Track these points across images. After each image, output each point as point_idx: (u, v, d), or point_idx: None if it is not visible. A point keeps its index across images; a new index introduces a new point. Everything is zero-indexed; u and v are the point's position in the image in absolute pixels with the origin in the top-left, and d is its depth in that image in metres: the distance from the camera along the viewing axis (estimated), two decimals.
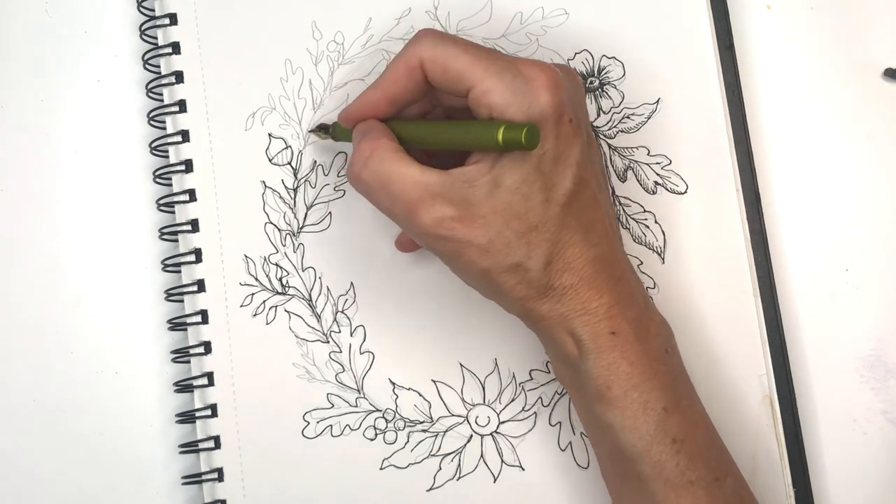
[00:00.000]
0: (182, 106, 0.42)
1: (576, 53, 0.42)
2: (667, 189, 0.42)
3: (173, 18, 0.42)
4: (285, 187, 0.42)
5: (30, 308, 0.43)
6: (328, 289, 0.42)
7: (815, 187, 0.43)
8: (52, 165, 0.43)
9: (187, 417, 0.41)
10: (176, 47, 0.42)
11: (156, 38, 0.43)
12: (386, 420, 0.41)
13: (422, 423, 0.41)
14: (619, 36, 0.42)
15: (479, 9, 0.42)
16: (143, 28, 0.43)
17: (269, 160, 0.42)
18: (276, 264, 0.42)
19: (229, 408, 0.41)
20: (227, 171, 0.42)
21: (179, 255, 0.42)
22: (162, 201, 0.42)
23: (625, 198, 0.42)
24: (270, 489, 0.41)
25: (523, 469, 0.41)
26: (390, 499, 0.41)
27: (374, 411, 0.41)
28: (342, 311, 0.41)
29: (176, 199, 0.42)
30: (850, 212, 0.43)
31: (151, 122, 0.43)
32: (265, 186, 0.42)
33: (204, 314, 0.41)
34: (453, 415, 0.41)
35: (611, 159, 0.42)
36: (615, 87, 0.42)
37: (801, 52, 0.44)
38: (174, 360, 0.42)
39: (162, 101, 0.43)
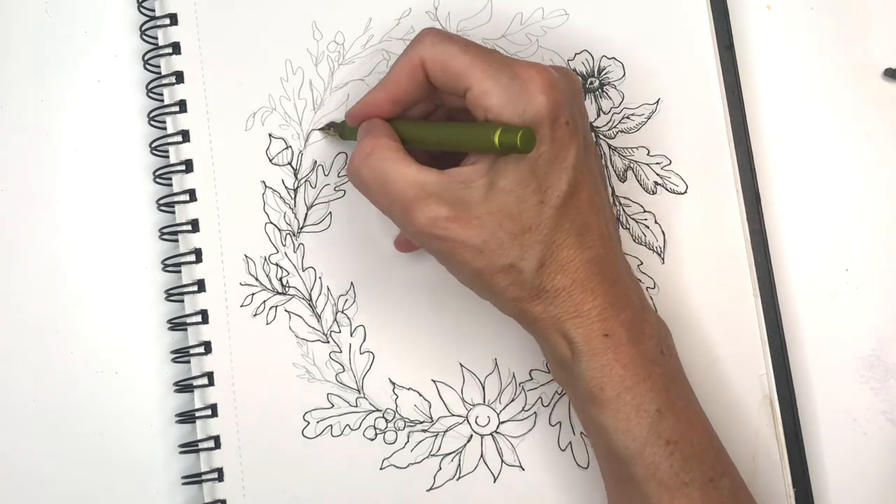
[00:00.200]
0: (182, 106, 0.42)
1: (576, 54, 0.42)
2: (667, 189, 0.42)
3: (173, 18, 0.43)
4: (285, 187, 0.42)
5: (30, 308, 0.43)
6: (328, 289, 0.42)
7: (815, 187, 0.43)
8: (52, 165, 0.43)
9: (187, 417, 0.41)
10: (176, 47, 0.42)
11: (156, 38, 0.43)
12: (386, 420, 0.41)
13: (422, 423, 0.41)
14: (619, 36, 0.42)
15: (480, 9, 0.42)
16: (143, 28, 0.43)
17: (270, 160, 0.42)
18: (277, 264, 0.42)
19: (229, 408, 0.41)
20: (227, 171, 0.42)
21: (179, 255, 0.42)
22: (162, 201, 0.43)
23: (625, 198, 0.42)
24: (270, 489, 0.41)
25: (523, 469, 0.41)
26: (390, 499, 0.41)
27: (374, 411, 0.41)
28: (342, 311, 0.42)
29: (176, 199, 0.42)
30: (850, 212, 0.43)
31: (151, 122, 0.43)
32: (265, 186, 0.42)
33: (204, 314, 0.42)
34: (453, 415, 0.41)
35: (611, 159, 0.42)
36: (615, 88, 0.42)
37: (801, 52, 0.44)
38: (174, 360, 0.42)
39: (162, 101, 0.43)
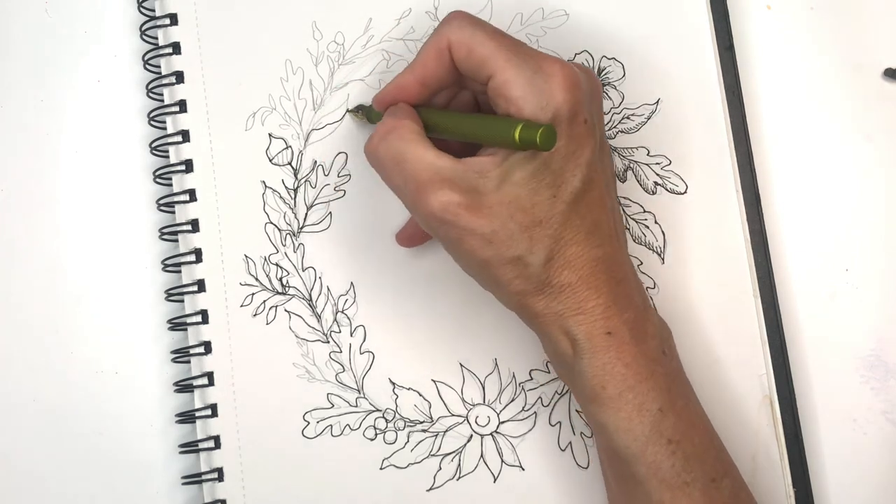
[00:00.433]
0: (182, 106, 0.43)
1: (576, 54, 0.43)
2: (667, 189, 0.42)
3: (174, 19, 0.43)
4: (285, 187, 0.42)
5: (30, 308, 0.43)
6: (328, 289, 0.42)
7: (815, 187, 0.43)
8: (52, 165, 0.44)
9: (187, 417, 0.42)
10: (176, 47, 0.43)
11: (156, 38, 0.43)
12: (386, 420, 0.41)
13: (422, 422, 0.41)
14: (619, 37, 0.42)
15: (480, 10, 0.43)
16: (143, 28, 0.43)
17: (270, 160, 0.42)
18: (277, 264, 0.42)
19: (229, 408, 0.41)
20: (227, 171, 0.42)
21: (179, 255, 0.42)
22: (162, 201, 0.43)
23: (625, 198, 0.42)
24: (270, 489, 0.41)
25: (523, 469, 0.41)
26: (390, 499, 0.41)
27: (374, 411, 0.41)
28: (342, 311, 0.42)
29: (176, 199, 0.42)
30: (850, 212, 0.43)
31: (152, 123, 0.43)
32: (265, 186, 0.42)
33: (204, 314, 0.42)
34: (453, 415, 0.41)
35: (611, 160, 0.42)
36: (615, 88, 0.42)
37: (801, 52, 0.44)
38: (174, 360, 0.42)
39: (162, 101, 0.43)
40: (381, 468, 0.41)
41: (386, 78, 0.42)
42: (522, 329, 0.41)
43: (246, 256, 0.42)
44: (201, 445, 0.41)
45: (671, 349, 0.37)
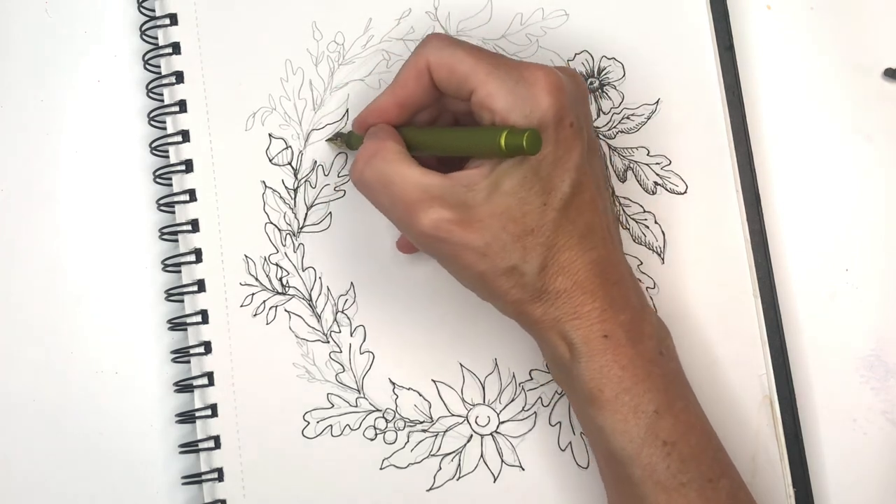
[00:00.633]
0: (182, 106, 0.43)
1: (576, 54, 0.43)
2: (666, 189, 0.42)
3: (174, 19, 0.43)
4: (285, 187, 0.43)
5: (30, 308, 0.43)
6: (328, 289, 0.42)
7: (815, 187, 0.44)
8: (52, 165, 0.44)
9: (187, 417, 0.42)
10: (176, 47, 0.43)
11: (156, 38, 0.43)
12: (386, 420, 0.42)
13: (422, 422, 0.41)
14: (619, 37, 0.43)
15: (480, 9, 0.43)
16: (143, 28, 0.44)
17: (270, 160, 0.43)
18: (277, 264, 0.42)
19: (229, 408, 0.42)
20: (227, 171, 0.42)
21: (179, 255, 0.42)
22: (162, 201, 0.43)
23: (624, 198, 0.42)
24: (270, 489, 0.41)
25: (523, 469, 0.41)
26: (390, 499, 0.41)
27: (374, 411, 0.42)
28: (342, 311, 0.42)
29: (176, 199, 0.43)
30: (850, 212, 0.43)
31: (151, 123, 0.43)
32: (265, 186, 0.42)
33: (204, 314, 0.42)
34: (453, 415, 0.42)
35: (610, 160, 0.43)
36: (615, 88, 0.43)
37: (801, 52, 0.44)
38: (174, 360, 0.42)
39: (162, 101, 0.43)
40: (381, 468, 0.41)
41: (386, 78, 0.42)
42: (522, 330, 0.41)
43: (246, 256, 0.42)
44: (201, 445, 0.41)
45: (669, 350, 0.37)
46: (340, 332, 0.42)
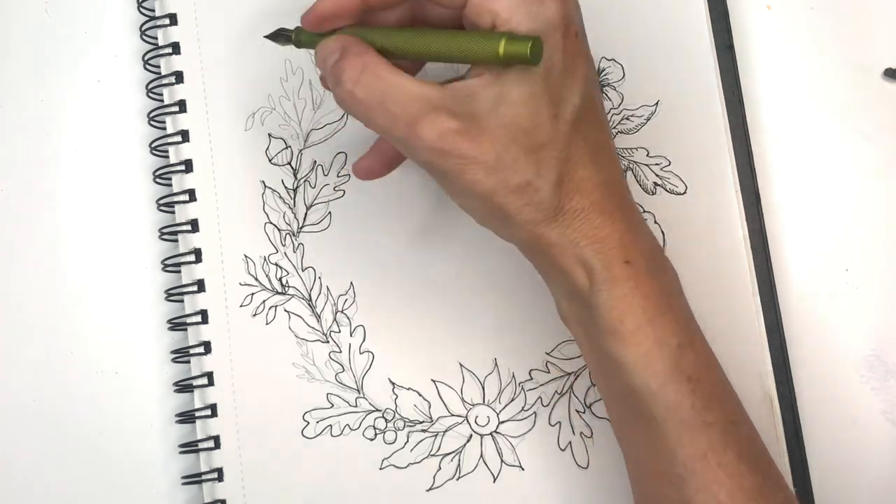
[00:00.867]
0: (182, 106, 0.43)
1: None
2: (666, 190, 0.43)
3: (173, 19, 0.43)
4: (285, 187, 0.43)
5: (30, 308, 0.43)
6: (328, 289, 0.42)
7: (815, 187, 0.44)
8: (52, 165, 0.44)
9: (187, 417, 0.42)
10: (176, 47, 0.43)
11: (156, 38, 0.44)
12: (386, 420, 0.42)
13: (421, 422, 0.42)
14: (619, 38, 0.43)
15: None
16: (143, 28, 0.44)
17: (269, 160, 0.43)
18: (276, 264, 0.43)
19: (229, 408, 0.42)
20: (227, 171, 0.43)
21: (179, 255, 0.43)
22: (162, 201, 0.43)
23: None
24: (270, 489, 0.41)
25: (523, 469, 0.42)
26: (390, 499, 0.41)
27: (373, 411, 0.42)
28: (342, 311, 0.42)
29: (176, 199, 0.43)
30: (850, 212, 0.44)
31: (151, 122, 0.44)
32: (265, 186, 0.43)
33: (204, 314, 0.42)
34: (453, 415, 0.42)
35: None
36: (614, 89, 0.43)
37: (801, 52, 0.44)
38: (174, 360, 0.43)
39: (162, 101, 0.44)
40: (380, 468, 0.42)
41: None
42: (522, 329, 0.41)
43: (246, 256, 0.43)
44: (201, 445, 0.42)
45: (681, 290, 0.35)
46: (340, 331, 0.42)
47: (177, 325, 0.43)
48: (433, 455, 0.42)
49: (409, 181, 0.42)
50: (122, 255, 0.44)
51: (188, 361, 0.43)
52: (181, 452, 0.42)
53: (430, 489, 0.41)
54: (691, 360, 0.33)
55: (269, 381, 0.42)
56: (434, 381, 0.42)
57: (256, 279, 0.43)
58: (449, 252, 0.42)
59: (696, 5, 0.43)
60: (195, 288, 0.42)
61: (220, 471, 0.42)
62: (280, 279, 0.43)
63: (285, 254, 0.43)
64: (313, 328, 0.42)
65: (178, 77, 0.43)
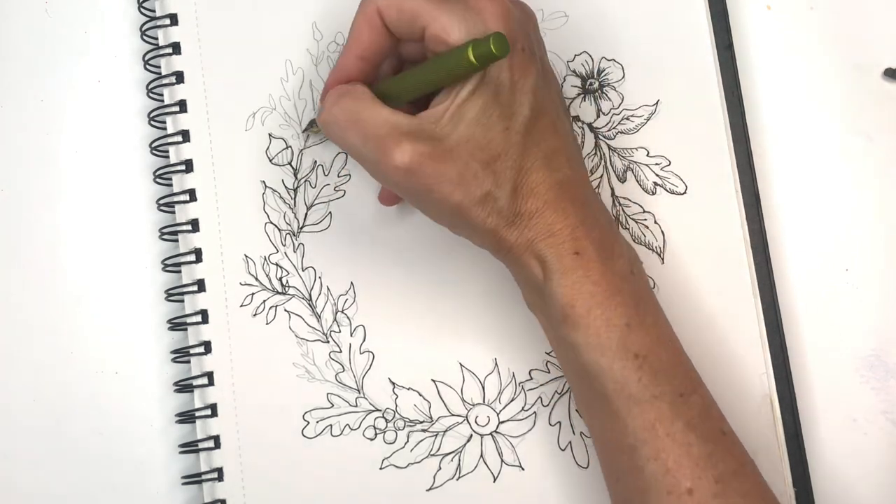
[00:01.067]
0: (182, 106, 0.43)
1: (575, 55, 0.44)
2: (666, 190, 0.43)
3: (174, 19, 0.44)
4: (285, 187, 0.43)
5: (30, 308, 0.44)
6: (328, 288, 0.43)
7: (815, 187, 0.44)
8: (52, 165, 0.45)
9: (187, 417, 0.42)
10: (176, 47, 0.44)
11: (156, 38, 0.44)
12: (386, 420, 0.42)
13: (422, 422, 0.42)
14: (619, 38, 0.43)
15: None
16: (143, 28, 0.44)
17: (270, 160, 0.43)
18: (277, 264, 0.43)
19: (229, 407, 0.42)
20: (227, 171, 0.43)
21: (179, 254, 0.43)
22: (162, 201, 0.44)
23: (624, 198, 0.43)
24: (270, 489, 0.42)
25: (523, 469, 0.42)
26: (390, 499, 0.42)
27: (373, 411, 0.42)
28: (342, 311, 0.43)
29: (176, 198, 0.43)
30: (850, 212, 0.44)
31: (152, 123, 0.44)
32: (265, 186, 0.43)
33: (204, 314, 0.43)
34: (453, 414, 0.42)
35: (610, 160, 0.43)
36: (614, 89, 0.43)
37: (801, 52, 0.45)
38: (174, 360, 0.43)
39: (162, 101, 0.44)
40: (380, 468, 0.42)
41: None
42: (522, 329, 0.42)
43: (246, 256, 0.43)
44: (201, 445, 0.42)
45: (639, 271, 0.38)
46: (340, 331, 0.43)
47: (177, 325, 0.43)
48: (433, 455, 0.42)
49: None
50: (122, 255, 0.44)
51: (188, 361, 0.43)
52: (181, 452, 0.43)
53: (430, 489, 0.42)
54: (639, 337, 0.35)
55: (270, 381, 0.42)
56: (434, 381, 0.42)
57: (257, 279, 0.43)
58: (449, 252, 0.43)
59: (696, 5, 0.43)
60: (195, 288, 0.43)
61: (220, 471, 0.42)
62: (280, 279, 0.43)
63: (286, 254, 0.43)
64: (313, 328, 0.43)
65: (179, 77, 0.44)
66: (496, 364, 0.42)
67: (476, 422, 0.42)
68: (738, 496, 0.35)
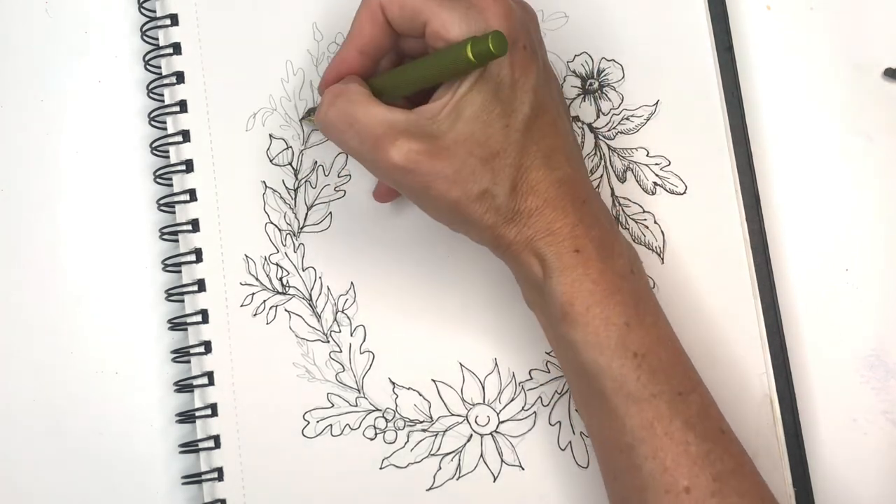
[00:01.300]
0: (183, 106, 0.44)
1: (575, 56, 0.44)
2: (666, 190, 0.43)
3: (174, 19, 0.44)
4: (286, 187, 0.44)
5: (30, 308, 0.44)
6: (328, 288, 0.43)
7: (815, 187, 0.45)
8: (52, 165, 0.45)
9: (187, 417, 0.43)
10: (177, 48, 0.44)
11: (157, 38, 0.45)
12: (386, 420, 0.43)
13: (422, 422, 0.43)
14: (619, 38, 0.44)
15: None
16: (143, 29, 0.45)
17: (270, 160, 0.44)
18: (277, 264, 0.43)
19: (229, 407, 0.43)
20: (227, 172, 0.44)
21: (180, 254, 0.44)
22: (162, 201, 0.44)
23: (624, 198, 0.44)
24: (270, 489, 0.42)
25: (523, 469, 0.42)
26: (390, 499, 0.42)
27: (373, 411, 0.43)
28: (342, 311, 0.43)
29: (176, 198, 0.44)
30: (850, 212, 0.44)
31: (152, 123, 0.45)
32: (266, 186, 0.44)
33: (204, 314, 0.43)
34: (453, 414, 0.43)
35: (610, 160, 0.44)
36: (614, 90, 0.44)
37: (801, 53, 0.45)
38: (174, 360, 0.44)
39: (162, 101, 0.44)
40: (380, 468, 0.42)
41: None
42: (522, 328, 0.42)
43: (246, 256, 0.43)
44: (201, 445, 0.43)
45: (639, 270, 0.38)
46: (340, 331, 0.43)
47: (177, 324, 0.43)
48: (433, 455, 0.42)
49: None
50: (122, 255, 0.45)
51: (188, 361, 0.43)
52: (181, 452, 0.43)
53: (430, 489, 0.42)
54: (638, 336, 0.36)
55: (270, 381, 0.43)
56: (434, 380, 0.43)
57: (257, 279, 0.43)
58: (449, 252, 0.43)
59: (696, 5, 0.44)
60: (196, 288, 0.43)
61: (220, 470, 0.42)
62: (281, 279, 0.43)
63: (286, 254, 0.43)
64: (314, 328, 0.43)
65: (179, 77, 0.44)
66: (496, 364, 0.43)
67: (476, 422, 0.43)
68: (736, 495, 0.35)
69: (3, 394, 0.44)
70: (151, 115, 0.45)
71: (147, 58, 0.45)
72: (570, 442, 0.42)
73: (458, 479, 0.42)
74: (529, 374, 0.43)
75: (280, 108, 0.44)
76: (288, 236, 0.44)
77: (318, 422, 0.43)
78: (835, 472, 0.43)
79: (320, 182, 0.44)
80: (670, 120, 0.44)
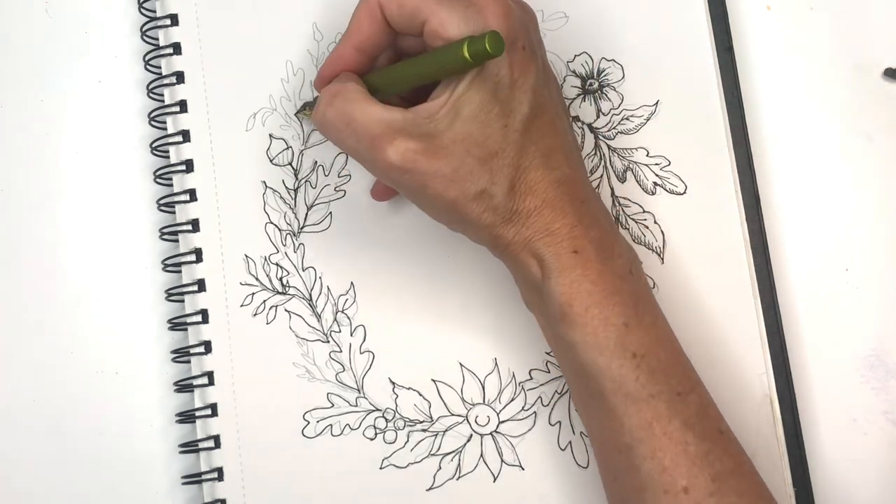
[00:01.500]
0: (183, 106, 0.44)
1: (575, 56, 0.44)
2: (666, 190, 0.44)
3: (174, 19, 0.45)
4: (286, 187, 0.44)
5: (30, 308, 0.45)
6: (328, 288, 0.44)
7: (815, 187, 0.45)
8: (52, 165, 0.45)
9: (187, 417, 0.43)
10: (177, 48, 0.45)
11: (157, 38, 0.45)
12: (386, 419, 0.43)
13: (422, 422, 0.43)
14: (619, 39, 0.44)
15: None
16: (143, 29, 0.45)
17: (270, 160, 0.44)
18: (277, 264, 0.44)
19: (229, 407, 0.43)
20: (227, 172, 0.44)
21: (180, 254, 0.44)
22: (162, 201, 0.44)
23: (624, 198, 0.44)
24: (270, 489, 0.43)
25: (523, 469, 0.43)
26: (390, 498, 0.43)
27: (374, 411, 0.43)
28: (342, 311, 0.44)
29: (176, 198, 0.44)
30: (850, 212, 0.45)
31: (152, 123, 0.45)
32: (266, 186, 0.44)
33: (204, 314, 0.43)
34: (453, 414, 0.43)
35: (610, 160, 0.44)
36: (614, 90, 0.44)
37: (801, 53, 0.46)
38: (174, 360, 0.44)
39: (162, 101, 0.45)
40: (380, 468, 0.43)
41: None
42: (522, 328, 0.42)
43: (246, 256, 0.44)
44: (201, 445, 0.43)
45: (638, 271, 0.39)
46: (340, 331, 0.43)
47: (177, 324, 0.44)
48: (433, 455, 0.43)
49: None
50: (122, 255, 0.45)
51: (188, 361, 0.44)
52: (181, 452, 0.43)
53: (430, 489, 0.43)
54: (637, 337, 0.36)
55: (270, 381, 0.43)
56: (434, 380, 0.43)
57: (257, 279, 0.44)
58: (449, 252, 0.44)
59: (696, 6, 0.44)
60: (196, 288, 0.44)
61: (220, 470, 0.43)
62: (281, 279, 0.44)
63: (286, 254, 0.44)
64: (314, 328, 0.44)
65: (179, 77, 0.44)
66: (496, 364, 0.43)
67: (476, 421, 0.43)
68: (735, 495, 0.36)
69: (3, 394, 0.44)
70: (151, 115, 0.45)
71: (147, 58, 0.45)
72: (570, 442, 0.43)
73: (458, 479, 0.43)
74: (529, 374, 0.43)
75: (280, 108, 0.44)
76: (288, 236, 0.44)
77: (318, 422, 0.43)
78: (835, 472, 0.43)
79: (320, 182, 0.44)
80: (670, 120, 0.44)
